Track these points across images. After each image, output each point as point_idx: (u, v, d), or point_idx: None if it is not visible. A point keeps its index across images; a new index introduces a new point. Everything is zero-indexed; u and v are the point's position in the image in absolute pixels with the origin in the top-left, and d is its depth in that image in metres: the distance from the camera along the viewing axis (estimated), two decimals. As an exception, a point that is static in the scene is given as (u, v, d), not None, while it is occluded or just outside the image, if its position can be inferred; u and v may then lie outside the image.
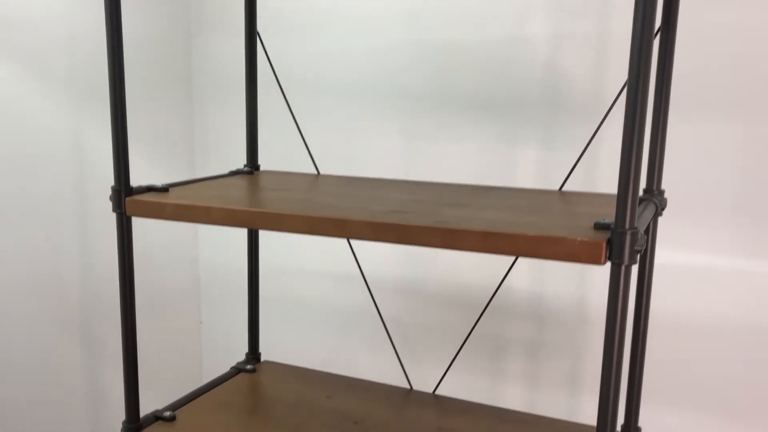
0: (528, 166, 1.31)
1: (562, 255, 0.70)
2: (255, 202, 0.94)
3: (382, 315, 1.26)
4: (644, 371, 1.01)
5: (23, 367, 1.32)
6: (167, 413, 1.04)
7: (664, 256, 1.21)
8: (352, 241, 1.27)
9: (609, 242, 0.68)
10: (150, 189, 0.98)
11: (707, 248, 1.20)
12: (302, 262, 1.59)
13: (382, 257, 1.47)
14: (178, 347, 1.71)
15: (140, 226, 1.40)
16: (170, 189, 1.00)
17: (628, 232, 0.67)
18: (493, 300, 1.39)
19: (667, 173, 1.00)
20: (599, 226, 0.73)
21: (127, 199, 0.94)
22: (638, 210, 0.70)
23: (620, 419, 0.84)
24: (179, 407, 1.08)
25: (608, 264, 0.69)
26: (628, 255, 0.67)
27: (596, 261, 0.68)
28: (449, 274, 1.43)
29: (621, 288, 0.68)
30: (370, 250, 1.38)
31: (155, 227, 1.58)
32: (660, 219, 1.00)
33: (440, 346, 1.45)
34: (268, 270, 1.59)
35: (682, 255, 1.22)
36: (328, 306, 1.57)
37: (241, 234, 1.27)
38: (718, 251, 1.20)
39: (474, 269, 1.40)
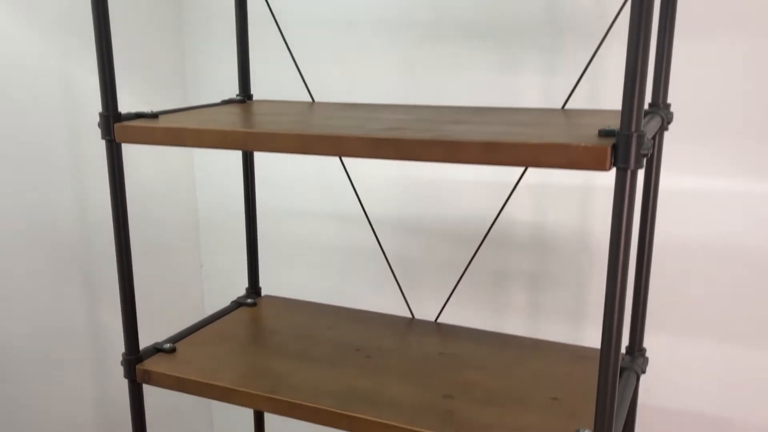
0: (531, 91, 1.28)
1: (565, 162, 0.67)
2: (247, 124, 0.91)
3: (384, 253, 1.25)
4: (648, 294, 1.00)
5: (22, 310, 1.31)
6: (167, 345, 1.03)
7: (668, 179, 1.18)
8: (351, 174, 1.24)
9: (614, 148, 0.66)
10: (139, 116, 0.95)
11: (711, 170, 1.17)
12: (302, 204, 1.57)
13: (382, 195, 1.45)
14: (179, 287, 1.70)
15: (134, 173, 1.38)
16: (160, 116, 0.97)
17: (634, 135, 0.64)
18: (494, 233, 1.37)
19: (672, 94, 0.96)
20: (604, 134, 0.70)
21: (115, 125, 0.91)
22: (644, 119, 0.67)
23: (624, 342, 0.83)
24: (179, 340, 1.07)
25: (611, 189, 0.66)
26: (634, 159, 0.65)
27: (601, 167, 0.66)
28: (450, 209, 1.41)
29: (627, 194, 0.66)
30: (369, 188, 1.36)
31: (150, 170, 1.55)
32: (664, 142, 0.97)
33: (442, 280, 1.44)
34: (268, 211, 1.57)
35: (687, 178, 1.19)
36: (329, 246, 1.56)
37: (239, 176, 1.25)
38: (722, 173, 1.17)
39: (475, 203, 1.38)
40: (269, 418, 1.37)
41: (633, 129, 0.65)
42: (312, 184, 1.54)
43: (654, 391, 1.29)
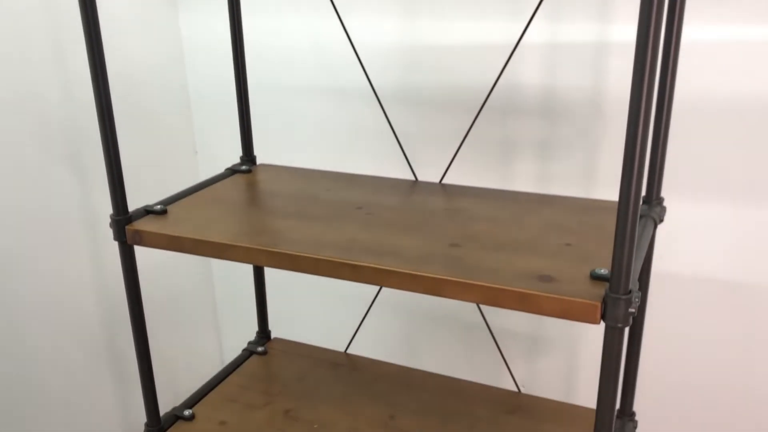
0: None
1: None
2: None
3: (386, 117, 1.17)
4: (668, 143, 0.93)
5: (7, 192, 1.26)
6: (158, 206, 0.98)
7: (691, 32, 1.10)
8: (348, 46, 1.16)
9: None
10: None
11: (738, 20, 1.09)
12: (299, 79, 1.49)
13: (381, 65, 1.36)
14: (171, 159, 1.64)
15: (122, 49, 1.30)
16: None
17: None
18: (501, 100, 1.29)
19: None
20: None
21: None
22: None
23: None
24: (171, 203, 1.02)
25: (626, 45, 0.59)
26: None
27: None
28: (453, 77, 1.33)
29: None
30: (367, 60, 1.27)
31: (138, 47, 1.46)
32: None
33: (448, 151, 1.37)
34: (262, 87, 1.50)
35: (710, 29, 1.11)
36: (326, 120, 1.49)
37: (230, 51, 1.17)
38: (749, 22, 1.08)
39: (481, 69, 1.29)
40: (271, 297, 1.35)
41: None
42: (306, 58, 1.46)
43: (667, 258, 1.25)
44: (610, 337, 0.69)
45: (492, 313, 1.41)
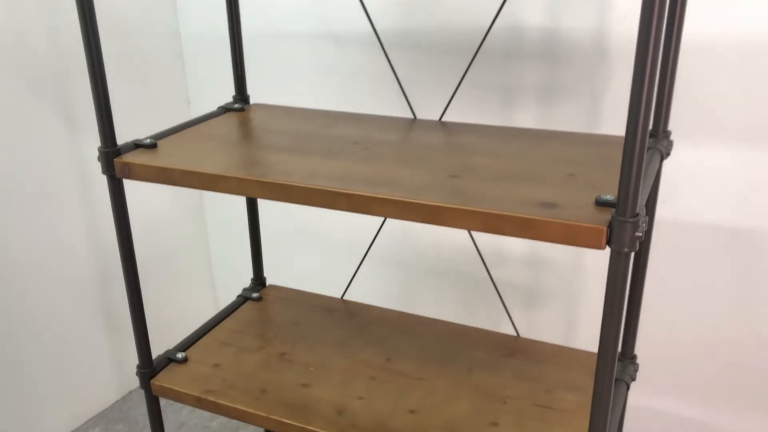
0: None
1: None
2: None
3: (387, 56, 1.13)
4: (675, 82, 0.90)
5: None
6: (147, 140, 0.94)
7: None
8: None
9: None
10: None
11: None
12: (297, 25, 1.44)
13: (382, 10, 1.32)
14: (161, 95, 1.60)
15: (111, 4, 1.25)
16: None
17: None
18: (503, 43, 1.25)
19: None
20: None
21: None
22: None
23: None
24: (162, 138, 0.98)
25: None
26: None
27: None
28: (453, 20, 1.28)
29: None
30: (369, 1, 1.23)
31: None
32: None
33: (448, 94, 1.34)
34: (256, 34, 1.45)
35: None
36: (323, 66, 1.45)
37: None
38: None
39: (479, 13, 1.25)
40: (265, 241, 1.32)
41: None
42: (304, 4, 1.41)
43: (670, 202, 1.22)
44: (615, 264, 0.66)
45: (491, 265, 1.39)
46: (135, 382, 1.73)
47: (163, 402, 1.70)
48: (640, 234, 0.65)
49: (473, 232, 1.17)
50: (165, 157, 0.90)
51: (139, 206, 1.52)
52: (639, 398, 1.37)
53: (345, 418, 0.92)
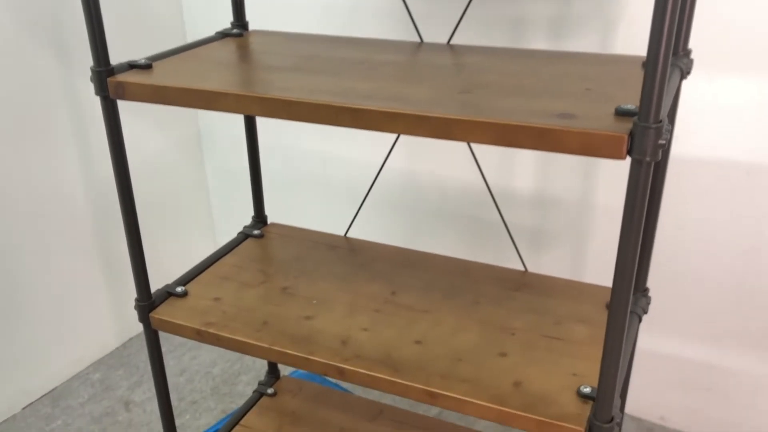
0: None
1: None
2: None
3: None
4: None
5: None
6: (142, 60, 0.90)
7: None
8: None
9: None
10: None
11: None
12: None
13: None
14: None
15: None
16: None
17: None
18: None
19: None
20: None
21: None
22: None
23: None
24: (157, 60, 0.94)
25: None
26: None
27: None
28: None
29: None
30: None
31: None
32: None
33: (455, 21, 1.29)
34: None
35: None
36: (325, 5, 1.39)
37: None
38: None
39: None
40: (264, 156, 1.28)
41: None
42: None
43: (683, 139, 1.19)
44: (636, 175, 0.62)
45: (500, 203, 1.36)
46: (135, 329, 1.71)
47: (164, 348, 1.69)
48: (664, 142, 0.61)
49: (482, 168, 1.13)
50: (161, 76, 0.86)
51: (137, 149, 1.48)
52: (643, 338, 1.36)
53: (349, 349, 0.90)
